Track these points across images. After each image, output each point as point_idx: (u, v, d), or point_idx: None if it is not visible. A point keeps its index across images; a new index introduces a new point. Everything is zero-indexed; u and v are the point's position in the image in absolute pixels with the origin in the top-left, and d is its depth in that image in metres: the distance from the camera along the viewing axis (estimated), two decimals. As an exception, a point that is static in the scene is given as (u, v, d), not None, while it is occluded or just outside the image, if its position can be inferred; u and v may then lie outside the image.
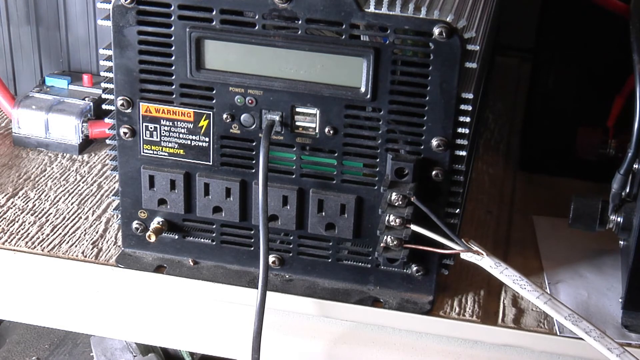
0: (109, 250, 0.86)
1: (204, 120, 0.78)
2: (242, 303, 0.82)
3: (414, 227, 0.75)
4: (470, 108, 0.74)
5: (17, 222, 0.90)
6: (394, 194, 0.74)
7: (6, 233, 0.88)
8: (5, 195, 0.94)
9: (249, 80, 0.75)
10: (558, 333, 0.78)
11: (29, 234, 0.88)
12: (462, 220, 0.86)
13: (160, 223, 0.82)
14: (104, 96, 0.80)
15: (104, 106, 0.81)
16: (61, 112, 1.01)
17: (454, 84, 0.72)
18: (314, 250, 0.81)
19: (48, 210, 0.92)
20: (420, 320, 0.80)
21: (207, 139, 0.78)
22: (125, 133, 0.79)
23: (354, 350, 0.82)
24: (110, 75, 0.78)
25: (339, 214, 0.78)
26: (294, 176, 0.78)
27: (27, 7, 1.06)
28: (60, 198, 0.94)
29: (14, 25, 1.07)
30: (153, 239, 0.82)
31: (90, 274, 0.84)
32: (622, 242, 0.83)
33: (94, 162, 1.00)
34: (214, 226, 0.82)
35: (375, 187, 0.77)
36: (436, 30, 0.70)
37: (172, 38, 0.75)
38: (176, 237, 0.83)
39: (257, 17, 0.73)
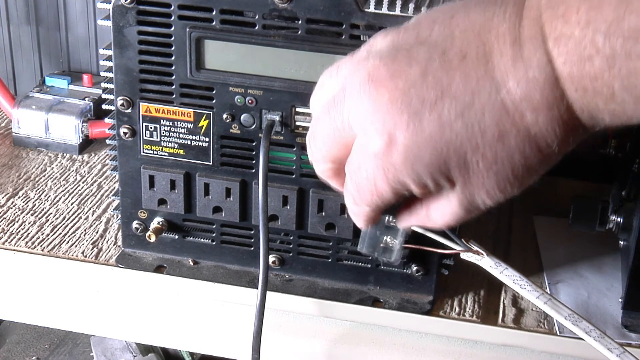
0: (109, 250, 0.86)
1: (204, 120, 0.78)
2: (242, 303, 0.82)
3: (414, 227, 0.75)
4: (470, 108, 0.74)
5: (17, 222, 0.90)
6: (394, 194, 0.74)
7: (6, 233, 0.88)
8: (5, 195, 0.94)
9: (249, 80, 0.75)
10: (558, 333, 0.78)
11: (29, 234, 0.88)
12: (462, 220, 0.85)
13: (160, 223, 0.82)
14: (104, 96, 0.80)
15: (104, 106, 0.81)
16: (61, 112, 1.01)
17: (454, 84, 0.72)
18: (314, 250, 0.81)
19: (48, 210, 0.92)
20: (420, 320, 0.80)
21: (207, 139, 0.78)
22: (125, 133, 0.79)
23: (354, 350, 0.82)
24: (110, 75, 0.78)
25: (339, 214, 0.78)
26: (294, 176, 0.78)
27: (27, 7, 1.06)
28: (60, 198, 0.94)
29: (14, 25, 1.07)
30: (153, 239, 0.82)
31: (90, 274, 0.84)
32: (622, 242, 0.83)
33: (94, 162, 1.00)
34: (214, 226, 0.82)
35: (375, 187, 0.77)
36: (436, 30, 0.70)
37: (172, 38, 0.75)
38: (176, 237, 0.83)
39: (257, 17, 0.73)
